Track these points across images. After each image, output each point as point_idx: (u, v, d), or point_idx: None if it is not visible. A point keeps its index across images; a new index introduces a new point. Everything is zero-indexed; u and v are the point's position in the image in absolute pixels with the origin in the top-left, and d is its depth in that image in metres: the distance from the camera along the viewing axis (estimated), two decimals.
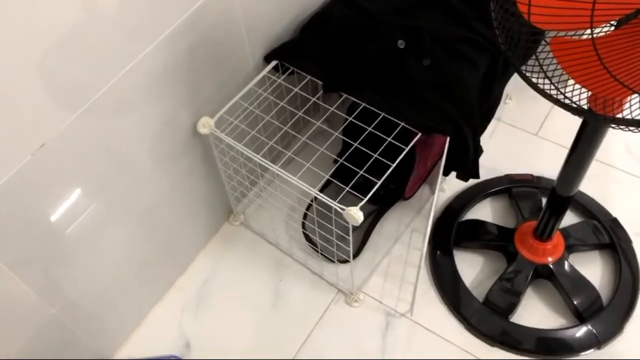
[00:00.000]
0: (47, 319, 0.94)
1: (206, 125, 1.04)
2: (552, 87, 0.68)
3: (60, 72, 0.75)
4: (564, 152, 0.97)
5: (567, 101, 0.68)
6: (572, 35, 0.64)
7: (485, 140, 1.18)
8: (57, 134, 0.79)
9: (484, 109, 1.15)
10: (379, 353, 1.14)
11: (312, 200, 1.25)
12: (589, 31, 0.57)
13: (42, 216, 0.85)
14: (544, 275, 1.18)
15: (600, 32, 0.64)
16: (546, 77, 0.66)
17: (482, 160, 1.14)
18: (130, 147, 0.95)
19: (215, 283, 1.25)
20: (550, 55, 0.67)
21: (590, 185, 1.28)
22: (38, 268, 0.88)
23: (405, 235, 1.30)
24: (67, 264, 0.93)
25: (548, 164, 1.35)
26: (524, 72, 0.72)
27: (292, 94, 1.12)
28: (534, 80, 0.72)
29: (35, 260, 0.87)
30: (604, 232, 1.25)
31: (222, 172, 1.18)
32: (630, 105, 0.68)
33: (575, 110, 0.70)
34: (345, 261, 1.21)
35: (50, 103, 0.76)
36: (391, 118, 1.02)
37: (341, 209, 0.94)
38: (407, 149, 0.99)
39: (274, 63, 1.12)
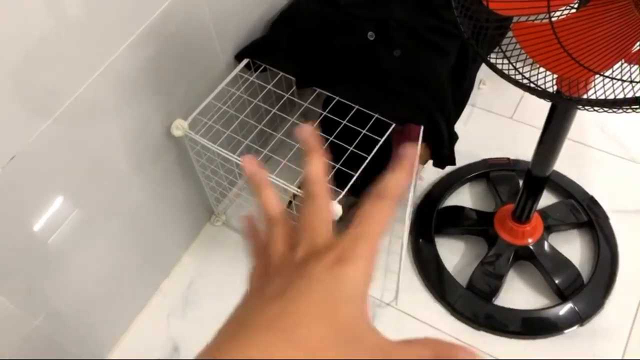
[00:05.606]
0: (30, 331, 0.93)
1: (180, 127, 1.04)
2: (517, 72, 0.69)
3: (29, 80, 0.75)
4: (539, 134, 0.98)
5: (532, 85, 0.69)
6: (533, 20, 0.65)
7: (461, 126, 1.19)
8: (27, 145, 0.78)
9: (458, 95, 1.16)
10: None
11: (292, 197, 1.25)
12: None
13: (19, 228, 0.84)
14: (524, 256, 1.20)
15: (561, 15, 0.65)
16: (509, 62, 0.67)
17: (459, 146, 1.15)
18: (105, 153, 0.94)
19: (200, 285, 1.25)
20: (514, 40, 0.68)
21: (566, 165, 1.30)
22: (19, 280, 0.87)
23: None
24: (49, 274, 0.93)
25: (524, 147, 1.36)
26: (489, 58, 0.72)
27: (265, 91, 1.12)
28: (499, 66, 0.72)
29: (15, 273, 0.86)
30: (581, 211, 1.26)
31: (200, 173, 1.18)
32: (595, 86, 0.69)
33: (542, 94, 0.71)
34: None
35: (20, 113, 0.75)
36: (365, 110, 1.02)
37: None
38: (382, 140, 0.99)
39: (245, 61, 1.12)
